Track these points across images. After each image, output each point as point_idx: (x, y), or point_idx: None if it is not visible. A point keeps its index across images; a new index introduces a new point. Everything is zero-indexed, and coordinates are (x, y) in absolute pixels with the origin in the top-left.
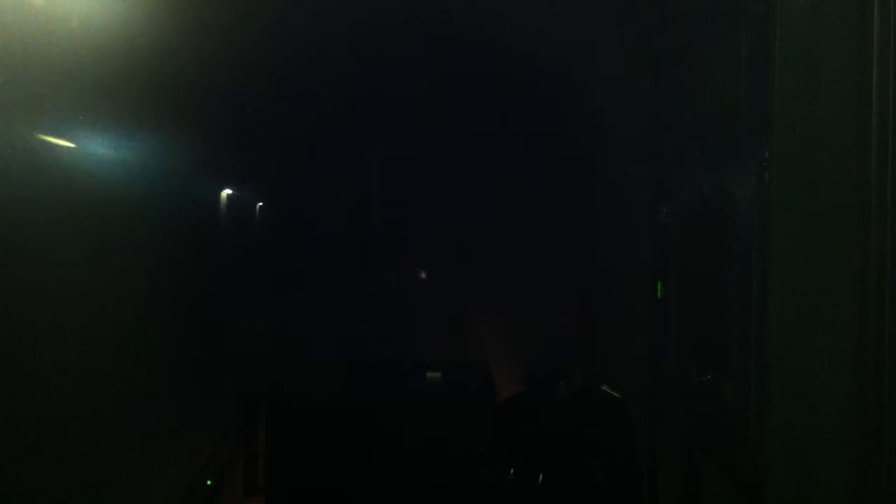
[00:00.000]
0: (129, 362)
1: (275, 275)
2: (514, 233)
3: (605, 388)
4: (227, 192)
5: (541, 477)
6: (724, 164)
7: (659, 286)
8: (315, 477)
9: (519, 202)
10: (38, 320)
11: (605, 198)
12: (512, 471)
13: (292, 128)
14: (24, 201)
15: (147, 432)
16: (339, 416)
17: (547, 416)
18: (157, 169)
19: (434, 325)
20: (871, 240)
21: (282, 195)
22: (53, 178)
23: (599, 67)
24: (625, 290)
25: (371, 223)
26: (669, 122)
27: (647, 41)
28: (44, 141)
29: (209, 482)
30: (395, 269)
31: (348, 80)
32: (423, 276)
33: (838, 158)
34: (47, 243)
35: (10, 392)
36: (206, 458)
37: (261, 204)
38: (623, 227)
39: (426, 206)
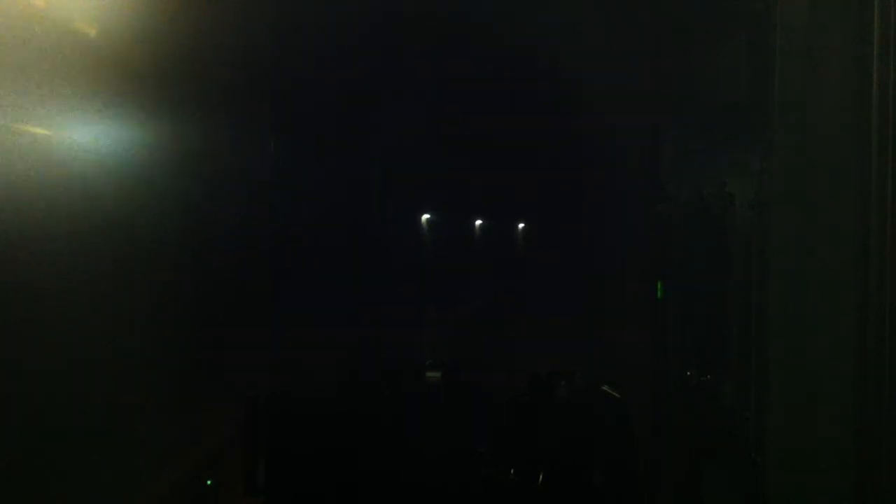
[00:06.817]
0: (130, 363)
1: (276, 275)
2: (514, 233)
3: (605, 388)
4: (225, 192)
5: (541, 477)
6: (724, 164)
7: (659, 286)
8: (315, 477)
9: (518, 203)
10: (47, 322)
11: (606, 198)
12: (512, 471)
13: (296, 129)
14: (28, 201)
15: (148, 432)
16: (339, 416)
17: (547, 417)
18: (157, 169)
19: (434, 326)
20: (871, 240)
21: (283, 195)
22: (59, 178)
23: (600, 68)
24: (625, 290)
25: (372, 224)
26: (669, 122)
27: (647, 42)
28: (49, 140)
29: (209, 482)
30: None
31: (355, 79)
32: (423, 280)
33: (838, 158)
34: (53, 245)
35: (13, 392)
36: (206, 458)
37: (261, 203)
38: (623, 227)
39: (426, 207)
